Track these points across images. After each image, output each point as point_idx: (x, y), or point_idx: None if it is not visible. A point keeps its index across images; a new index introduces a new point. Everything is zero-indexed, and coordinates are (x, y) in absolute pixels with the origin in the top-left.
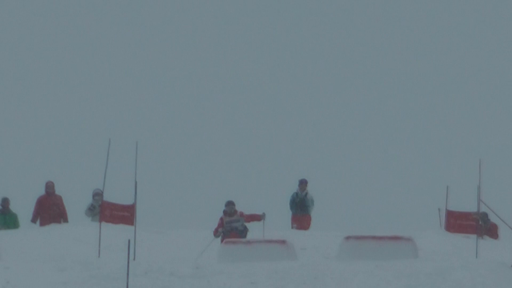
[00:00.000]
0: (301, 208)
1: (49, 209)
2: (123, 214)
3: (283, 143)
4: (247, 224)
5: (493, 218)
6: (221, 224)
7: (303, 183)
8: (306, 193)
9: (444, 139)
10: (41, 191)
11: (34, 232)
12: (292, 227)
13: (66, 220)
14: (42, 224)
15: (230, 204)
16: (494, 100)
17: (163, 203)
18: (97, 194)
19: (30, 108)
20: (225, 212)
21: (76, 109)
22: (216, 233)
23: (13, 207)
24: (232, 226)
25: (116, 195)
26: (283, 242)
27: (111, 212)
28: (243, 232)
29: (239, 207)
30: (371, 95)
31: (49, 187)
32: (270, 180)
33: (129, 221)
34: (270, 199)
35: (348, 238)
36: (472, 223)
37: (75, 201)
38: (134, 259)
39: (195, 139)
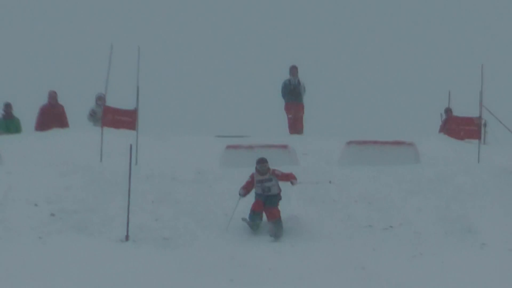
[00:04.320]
0: (295, 96)
1: (51, 119)
2: (125, 119)
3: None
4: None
5: (494, 124)
6: (251, 182)
7: (294, 69)
8: (298, 80)
9: (447, 43)
10: (44, 98)
11: (36, 137)
12: (288, 116)
13: (66, 126)
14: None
15: (262, 161)
16: (497, 4)
17: (165, 108)
18: (100, 99)
19: (34, 15)
20: (257, 170)
21: (79, 14)
22: (241, 190)
23: (16, 112)
24: (264, 186)
25: (118, 101)
26: (285, 147)
27: (113, 117)
28: (275, 198)
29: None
30: None
31: (52, 97)
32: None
33: (131, 126)
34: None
35: (349, 143)
36: (474, 128)
37: (77, 106)
38: (136, 164)
39: (196, 44)
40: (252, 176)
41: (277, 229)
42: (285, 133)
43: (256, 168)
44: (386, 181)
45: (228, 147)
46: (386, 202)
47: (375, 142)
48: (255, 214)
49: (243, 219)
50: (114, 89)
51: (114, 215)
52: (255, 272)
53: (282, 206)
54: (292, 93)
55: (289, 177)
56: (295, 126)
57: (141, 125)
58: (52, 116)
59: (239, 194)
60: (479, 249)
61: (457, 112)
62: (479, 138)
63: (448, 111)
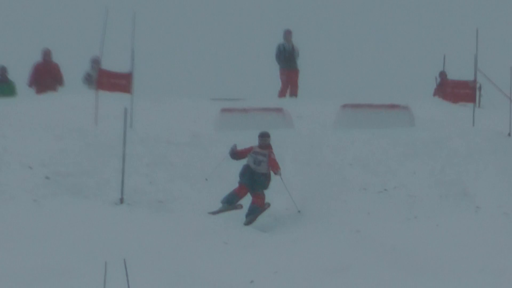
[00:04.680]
0: (289, 63)
1: (46, 76)
2: (120, 82)
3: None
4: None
5: (489, 87)
6: (249, 150)
7: (288, 33)
8: (293, 46)
9: (442, 6)
10: (39, 60)
11: (31, 100)
12: (281, 80)
13: (61, 84)
14: (39, 92)
15: (265, 136)
16: None
17: (160, 71)
18: (95, 62)
19: None
20: (259, 145)
21: None
22: (234, 150)
23: (11, 76)
24: (257, 158)
25: (113, 64)
26: (279, 110)
27: (108, 80)
28: (264, 178)
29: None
30: None
31: (46, 54)
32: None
33: (126, 89)
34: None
35: (344, 106)
36: (469, 92)
37: (72, 69)
38: (131, 127)
39: (191, 6)
40: (250, 147)
41: (251, 215)
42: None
43: (258, 141)
44: (381, 145)
45: (223, 110)
46: (381, 165)
47: (370, 106)
48: (234, 196)
49: (211, 213)
50: (109, 52)
51: (109, 178)
52: (249, 235)
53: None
54: (287, 59)
55: (275, 167)
56: (290, 91)
57: (136, 88)
58: (46, 73)
59: (230, 153)
60: (473, 212)
61: (452, 75)
62: (474, 101)
63: (442, 74)
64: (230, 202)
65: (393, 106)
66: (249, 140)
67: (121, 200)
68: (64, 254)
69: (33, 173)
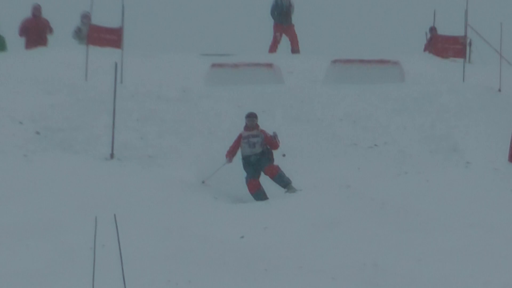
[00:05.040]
0: (285, 18)
1: (35, 32)
2: (110, 37)
3: None
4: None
5: (480, 43)
6: (238, 141)
7: None
8: (289, 1)
9: None
10: (28, 16)
11: (21, 55)
12: (275, 35)
13: (51, 32)
14: (28, 47)
15: (251, 116)
16: None
17: (150, 26)
18: (85, 17)
19: None
20: (245, 127)
21: None
22: (228, 154)
23: (1, 31)
24: (250, 141)
25: (103, 19)
26: (270, 65)
27: (98, 35)
28: (267, 155)
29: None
30: None
31: (36, 9)
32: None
33: (116, 44)
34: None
35: (335, 61)
36: (460, 47)
37: (62, 25)
38: (121, 82)
39: None
40: (239, 136)
41: (283, 182)
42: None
43: (245, 122)
44: (371, 100)
45: (213, 65)
46: (371, 120)
47: (360, 61)
48: (256, 194)
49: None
50: (99, 7)
51: (99, 133)
52: (239, 190)
53: (267, 123)
54: (283, 15)
55: (273, 144)
56: (292, 48)
57: (127, 43)
58: (35, 29)
59: (226, 159)
60: (463, 168)
61: (442, 31)
62: (464, 57)
63: (433, 29)
64: (261, 198)
65: (383, 62)
66: (238, 95)
67: (111, 155)
68: (54, 209)
69: (23, 128)
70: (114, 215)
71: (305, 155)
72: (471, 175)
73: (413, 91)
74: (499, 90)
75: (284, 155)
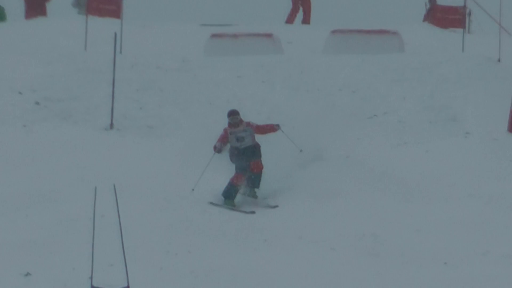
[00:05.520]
0: None
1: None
2: (110, 7)
3: None
4: (262, 136)
5: (479, 13)
6: (225, 136)
7: None
8: None
9: None
10: None
11: (21, 25)
12: (295, 5)
13: None
14: (28, 17)
15: (233, 114)
16: None
17: None
18: None
19: None
20: (229, 125)
21: None
22: (215, 149)
23: (1, 1)
24: (238, 136)
25: None
26: (269, 35)
27: (97, 5)
28: (255, 150)
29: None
30: None
31: None
32: None
33: (115, 14)
34: None
35: (334, 32)
36: (459, 17)
37: None
38: (120, 52)
39: None
40: (225, 130)
41: (256, 182)
42: (270, 22)
43: (228, 121)
44: (370, 70)
45: (213, 35)
46: (370, 91)
47: (360, 31)
48: (233, 188)
49: (211, 203)
50: None
51: (98, 103)
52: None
53: (266, 94)
54: None
55: (268, 129)
56: (304, 18)
57: (126, 13)
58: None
59: (214, 149)
60: (463, 138)
61: (442, 1)
62: (464, 27)
63: (432, 0)
64: (231, 196)
65: (382, 32)
66: (238, 65)
67: (111, 126)
68: (54, 179)
69: (22, 98)
70: (114, 185)
71: (304, 125)
72: (470, 145)
73: (412, 61)
74: (499, 60)
75: (301, 151)
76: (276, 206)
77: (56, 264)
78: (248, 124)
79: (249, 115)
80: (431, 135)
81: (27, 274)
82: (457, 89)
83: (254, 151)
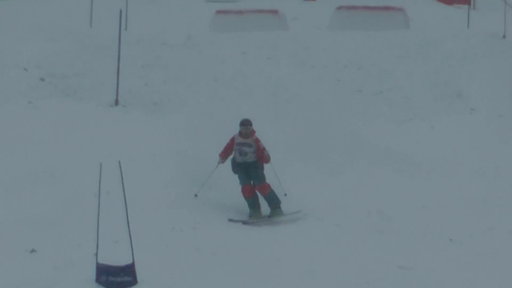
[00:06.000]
0: None
1: None
2: None
3: None
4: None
5: None
6: (231, 145)
7: None
8: None
9: None
10: None
11: (26, 2)
12: None
13: None
14: None
15: (245, 124)
16: None
17: None
18: None
19: None
20: (240, 133)
21: None
22: (221, 154)
23: None
24: (242, 149)
25: None
26: (275, 12)
27: None
28: (258, 168)
29: None
30: None
31: None
32: None
33: None
34: None
35: (339, 8)
36: None
37: None
38: (126, 29)
39: None
40: (232, 139)
41: (273, 201)
42: None
43: (240, 129)
44: (375, 46)
45: (218, 12)
46: (375, 67)
47: (365, 7)
48: (248, 200)
49: (230, 220)
50: None
51: (103, 79)
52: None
53: (272, 71)
54: None
55: (264, 159)
56: None
57: None
58: None
59: (218, 159)
60: (468, 114)
61: None
62: (469, 3)
63: None
64: (254, 207)
65: (388, 8)
66: (243, 42)
67: (116, 102)
68: (59, 156)
69: (28, 75)
70: (119, 162)
71: (309, 101)
72: (475, 121)
73: (417, 37)
74: (504, 37)
75: (285, 195)
76: (299, 211)
77: (61, 240)
78: (256, 140)
79: (254, 92)
80: (436, 112)
81: (33, 250)
82: (462, 65)
83: (256, 169)
